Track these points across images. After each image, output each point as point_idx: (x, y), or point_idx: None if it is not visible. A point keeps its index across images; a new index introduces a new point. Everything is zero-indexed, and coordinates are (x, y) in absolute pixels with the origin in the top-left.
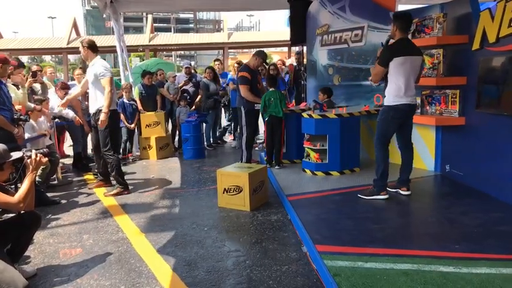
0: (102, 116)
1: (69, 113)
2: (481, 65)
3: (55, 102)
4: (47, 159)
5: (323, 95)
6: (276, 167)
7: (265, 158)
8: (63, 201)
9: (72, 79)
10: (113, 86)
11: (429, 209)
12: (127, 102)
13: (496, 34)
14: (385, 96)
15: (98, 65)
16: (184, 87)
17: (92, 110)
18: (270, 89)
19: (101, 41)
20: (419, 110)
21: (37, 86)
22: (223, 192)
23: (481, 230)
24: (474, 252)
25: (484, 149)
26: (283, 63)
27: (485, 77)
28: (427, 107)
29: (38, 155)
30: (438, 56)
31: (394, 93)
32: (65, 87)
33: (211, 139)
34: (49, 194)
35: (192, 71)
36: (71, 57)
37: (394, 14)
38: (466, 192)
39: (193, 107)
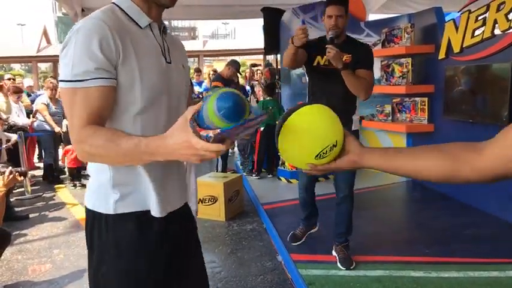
0: None
1: (19, 121)
2: (447, 73)
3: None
4: (22, 177)
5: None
6: (269, 175)
7: (240, 166)
8: (33, 215)
9: (43, 87)
10: None
11: (400, 215)
12: None
13: (460, 44)
14: (351, 119)
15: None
16: None
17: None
18: (267, 98)
19: None
20: (390, 118)
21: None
22: (198, 203)
23: (449, 234)
24: (443, 256)
25: None
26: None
27: (451, 85)
28: (398, 115)
29: (13, 172)
30: (407, 64)
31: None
32: (17, 91)
33: None
34: (17, 209)
35: None
36: (42, 66)
37: None
38: (435, 198)
39: None
